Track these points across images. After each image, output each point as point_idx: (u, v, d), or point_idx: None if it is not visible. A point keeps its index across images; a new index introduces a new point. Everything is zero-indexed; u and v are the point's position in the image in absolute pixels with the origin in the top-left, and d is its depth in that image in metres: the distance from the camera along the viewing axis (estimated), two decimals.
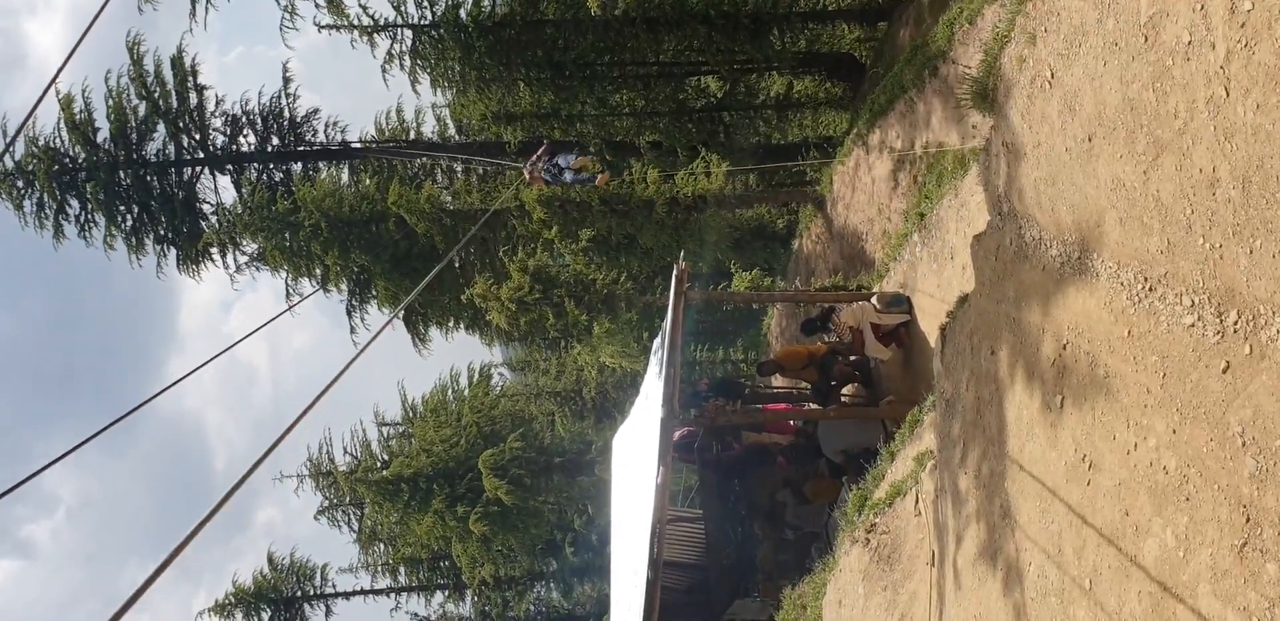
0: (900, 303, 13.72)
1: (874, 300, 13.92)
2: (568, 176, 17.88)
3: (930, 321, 12.22)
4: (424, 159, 26.92)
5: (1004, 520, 6.14)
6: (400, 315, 24.18)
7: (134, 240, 25.06)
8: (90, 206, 24.58)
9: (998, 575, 6.15)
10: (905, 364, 13.84)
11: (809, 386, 15.75)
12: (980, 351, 6.58)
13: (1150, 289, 4.68)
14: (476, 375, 29.29)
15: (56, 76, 5.34)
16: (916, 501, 8.56)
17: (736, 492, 16.66)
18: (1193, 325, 4.35)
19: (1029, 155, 5.68)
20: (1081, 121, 5.08)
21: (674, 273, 13.45)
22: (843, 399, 15.27)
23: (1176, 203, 4.45)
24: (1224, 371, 4.13)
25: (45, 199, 24.37)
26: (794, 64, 23.69)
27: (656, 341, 15.20)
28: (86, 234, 24.93)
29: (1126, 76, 4.82)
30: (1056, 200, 5.41)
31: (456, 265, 23.85)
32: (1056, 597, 5.39)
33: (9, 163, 23.94)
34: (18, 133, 5.90)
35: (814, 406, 15.48)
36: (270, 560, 32.98)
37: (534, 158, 17.84)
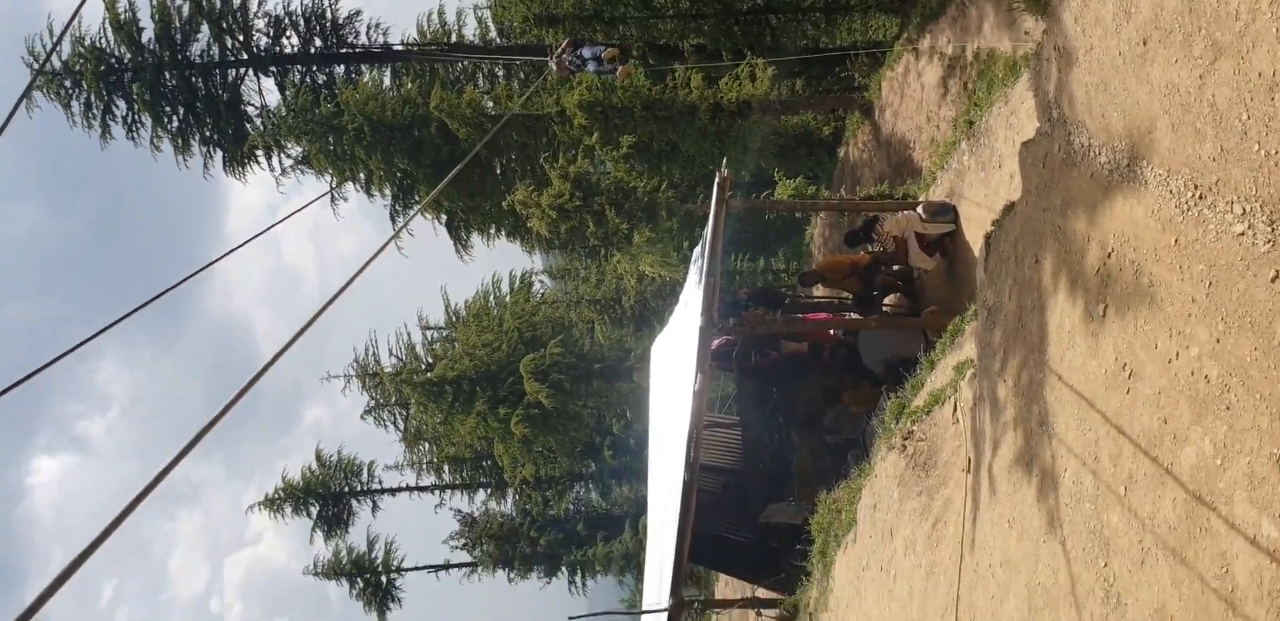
0: (946, 212, 13.56)
1: (919, 209, 13.77)
2: (590, 67, 17.72)
3: (975, 231, 12.11)
4: (466, 62, 26.63)
5: (1041, 428, 6.18)
6: (436, 216, 24.28)
7: (180, 141, 25.21)
8: (136, 107, 24.68)
9: (1033, 481, 6.23)
10: (949, 274, 13.75)
11: (850, 296, 15.73)
12: (1024, 260, 6.54)
13: (1200, 197, 4.61)
14: (517, 282, 29.47)
15: None
16: (955, 409, 8.62)
17: (774, 400, 16.80)
18: (1242, 234, 4.29)
19: (1081, 60, 5.54)
20: (1137, 25, 4.93)
21: (716, 180, 13.35)
22: (884, 309, 15.24)
23: (1232, 108, 4.35)
24: (1273, 281, 4.10)
25: (92, 99, 24.48)
26: None
27: (696, 250, 15.19)
28: (134, 135, 25.12)
29: None
30: (1108, 106, 5.29)
31: (498, 171, 23.80)
32: (1091, 503, 5.46)
33: (56, 63, 23.98)
34: (64, 32, 5.92)
35: (855, 316, 15.48)
36: (318, 457, 33.98)
37: (559, 50, 17.75)
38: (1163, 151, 4.94)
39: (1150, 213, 5.02)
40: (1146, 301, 4.98)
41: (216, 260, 3.68)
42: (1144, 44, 4.90)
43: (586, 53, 17.67)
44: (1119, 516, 5.15)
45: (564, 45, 17.80)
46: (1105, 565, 5.22)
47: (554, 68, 18.03)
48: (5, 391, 3.59)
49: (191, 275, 3.45)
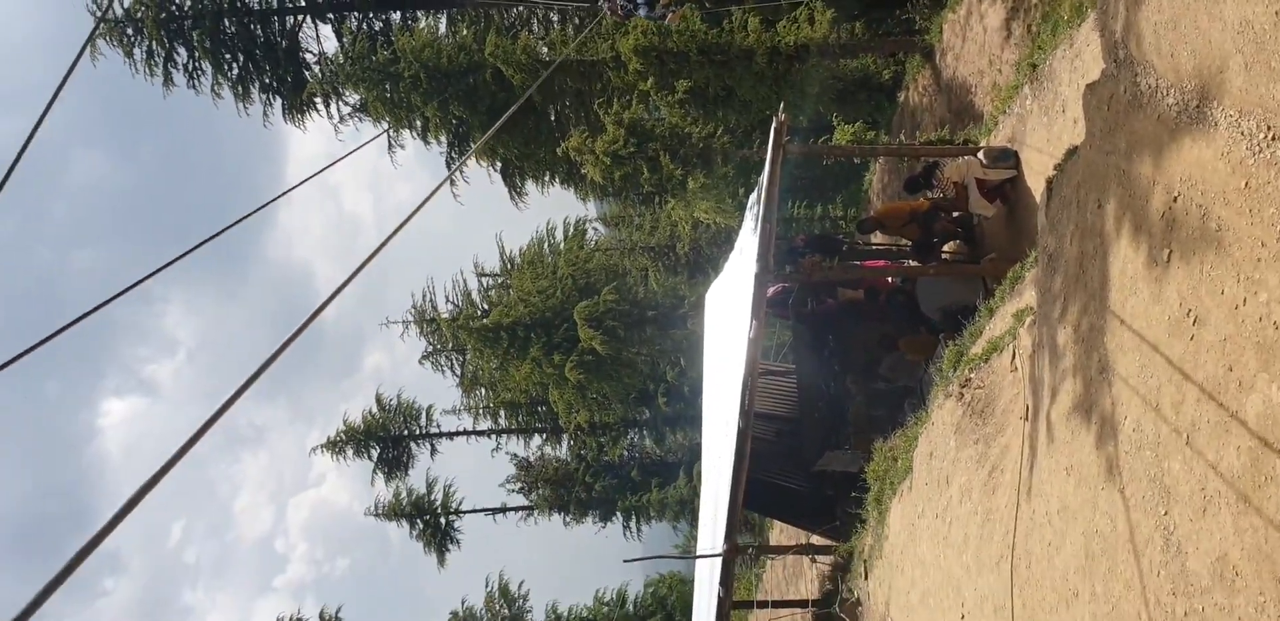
0: (1007, 158, 13.31)
1: (980, 155, 13.53)
2: (642, 11, 17.67)
3: (1037, 177, 11.88)
4: (521, 8, 26.42)
5: (1101, 375, 6.11)
6: (491, 163, 24.29)
7: (240, 89, 25.39)
8: (197, 55, 24.86)
9: (1092, 429, 6.17)
10: (1009, 220, 13.54)
11: (909, 243, 15.56)
12: (1087, 205, 6.40)
13: (1273, 138, 4.47)
14: (571, 229, 29.49)
15: None
16: (1013, 357, 8.54)
17: (830, 347, 16.73)
18: None
19: None
20: None
21: (773, 125, 13.18)
22: (943, 256, 15.06)
23: None
24: None
25: (154, 47, 24.68)
26: None
27: (752, 197, 15.06)
28: (195, 82, 25.34)
29: None
30: (1177, 45, 5.13)
31: (553, 118, 23.69)
32: (1151, 451, 5.41)
33: (118, 10, 24.18)
34: None
35: (913, 264, 15.32)
36: (379, 401, 34.55)
37: None
38: (1234, 91, 4.78)
39: (1220, 155, 4.88)
40: (1213, 246, 4.87)
41: (279, 197, 3.72)
42: None
43: None
44: (1181, 464, 5.09)
45: None
46: (1165, 513, 5.18)
47: (607, 12, 17.97)
48: (61, 331, 3.68)
49: (253, 212, 3.49)
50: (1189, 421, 5.04)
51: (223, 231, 4.03)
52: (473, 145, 23.42)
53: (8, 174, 5.16)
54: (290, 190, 4.71)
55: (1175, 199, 5.16)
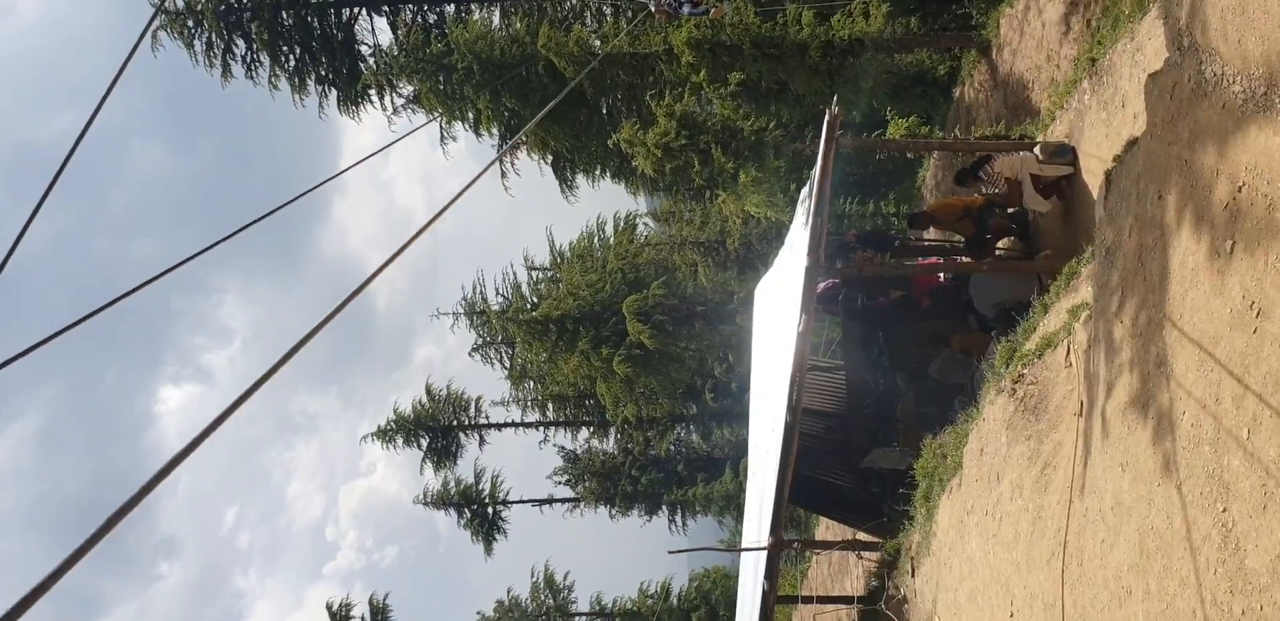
0: (1065, 153, 13.10)
1: (1037, 150, 13.33)
2: (686, 9, 17.77)
3: (1094, 175, 11.70)
4: (573, 1, 26.49)
5: (1159, 369, 5.99)
6: (542, 156, 24.38)
7: (296, 80, 25.73)
8: (255, 46, 25.21)
9: (1148, 424, 6.06)
10: (1065, 218, 13.33)
11: (962, 240, 15.37)
12: (1147, 196, 6.29)
13: None
14: (622, 223, 29.51)
15: None
16: (1068, 352, 8.41)
17: (880, 344, 16.60)
18: None
19: None
20: None
21: (826, 118, 13.08)
22: (997, 252, 14.87)
23: None
24: None
25: (214, 38, 25.07)
26: None
27: (804, 191, 14.96)
28: (253, 74, 25.71)
29: None
30: (1245, 31, 5.01)
31: (604, 111, 23.72)
32: (1210, 447, 5.30)
33: (179, 2, 24.58)
34: None
35: (967, 260, 15.14)
36: (428, 391, 34.85)
37: None
38: None
39: None
40: (1279, 237, 4.76)
41: (332, 178, 3.75)
42: None
43: None
44: (1240, 460, 4.98)
45: None
46: (1224, 510, 5.08)
47: (653, 9, 18.12)
48: (99, 310, 3.74)
49: (308, 191, 3.52)
50: (1250, 417, 4.93)
51: (272, 212, 4.07)
52: (525, 137, 23.51)
53: (64, 163, 5.25)
54: (344, 172, 4.75)
55: (1240, 189, 5.05)
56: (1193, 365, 5.58)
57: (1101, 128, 12.03)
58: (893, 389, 16.31)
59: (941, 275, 15.61)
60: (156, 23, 24.30)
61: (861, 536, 15.84)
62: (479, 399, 35.17)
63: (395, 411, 34.46)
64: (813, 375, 17.77)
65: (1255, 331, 4.93)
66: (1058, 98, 14.07)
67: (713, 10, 18.39)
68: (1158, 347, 6.03)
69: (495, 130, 23.78)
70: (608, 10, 26.77)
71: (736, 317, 24.55)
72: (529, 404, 34.46)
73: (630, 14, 26.31)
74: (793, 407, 11.98)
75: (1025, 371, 9.46)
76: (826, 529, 23.71)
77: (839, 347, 19.37)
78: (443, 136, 24.94)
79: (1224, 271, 5.22)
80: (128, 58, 6.18)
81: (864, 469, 15.49)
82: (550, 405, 34.36)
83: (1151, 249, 6.17)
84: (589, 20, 26.83)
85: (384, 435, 34.10)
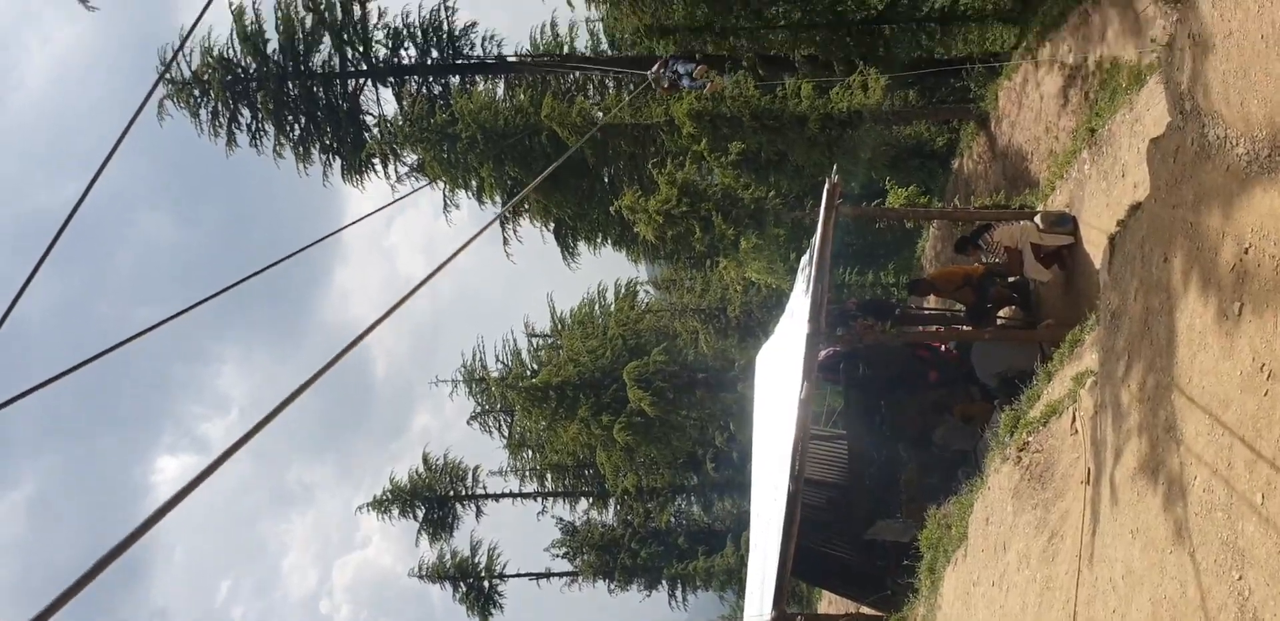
0: (1065, 223, 13.16)
1: (1037, 219, 13.39)
2: (685, 82, 18.17)
3: (1094, 244, 11.73)
4: (577, 74, 26.91)
5: (1168, 434, 5.90)
6: (544, 223, 24.56)
7: (301, 149, 25.96)
8: (260, 116, 25.51)
9: (1159, 490, 5.94)
10: (1066, 287, 13.33)
11: (963, 308, 15.36)
12: (1152, 260, 6.26)
13: None
14: (623, 290, 29.58)
15: None
16: (1073, 419, 8.32)
17: (882, 413, 16.47)
18: None
19: (1219, 46, 5.28)
20: None
21: (826, 186, 13.17)
22: (998, 321, 14.84)
23: None
24: None
25: (219, 108, 25.37)
26: None
27: (804, 259, 15.00)
28: (257, 143, 25.95)
29: None
30: (1247, 93, 5.03)
31: (606, 180, 23.93)
32: (1223, 513, 5.18)
33: (186, 72, 24.94)
34: (184, 40, 6.06)
35: (968, 329, 15.10)
36: (425, 460, 34.54)
37: (655, 68, 18.36)
38: None
39: None
40: None
41: (331, 234, 3.71)
42: None
43: (681, 68, 18.21)
44: (1255, 526, 4.86)
45: (660, 62, 18.45)
46: (1239, 578, 4.94)
47: (653, 82, 18.53)
48: (93, 358, 3.67)
49: (309, 246, 3.47)
50: (1264, 481, 4.83)
51: (271, 266, 4.02)
52: (528, 206, 23.69)
53: (63, 226, 5.22)
54: (345, 228, 4.72)
55: (1247, 250, 5.02)
56: (1203, 429, 5.49)
57: (1102, 197, 12.09)
58: (895, 458, 16.14)
59: (943, 345, 15.55)
60: (163, 91, 24.63)
61: (865, 610, 15.51)
62: (476, 468, 34.86)
63: (391, 481, 34.13)
64: (814, 444, 17.57)
65: (1266, 394, 4.86)
66: (1057, 168, 14.18)
67: (709, 84, 18.80)
68: (1166, 412, 5.94)
69: (498, 198, 23.95)
70: (610, 83, 27.19)
71: (738, 385, 24.43)
72: (527, 474, 34.14)
73: (632, 86, 26.75)
74: (796, 476, 11.80)
75: (1030, 439, 9.34)
76: (829, 603, 23.24)
77: (840, 416, 19.23)
78: (446, 204, 25.12)
79: (1232, 334, 5.17)
80: (128, 125, 6.20)
81: (867, 541, 15.23)
82: (549, 475, 34.03)
83: (1158, 312, 6.13)
84: (592, 92, 27.23)
85: (380, 505, 33.71)
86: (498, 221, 24.84)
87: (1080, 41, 16.34)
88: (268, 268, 4.00)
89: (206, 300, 4.36)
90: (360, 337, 3.63)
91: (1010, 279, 14.40)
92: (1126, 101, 11.93)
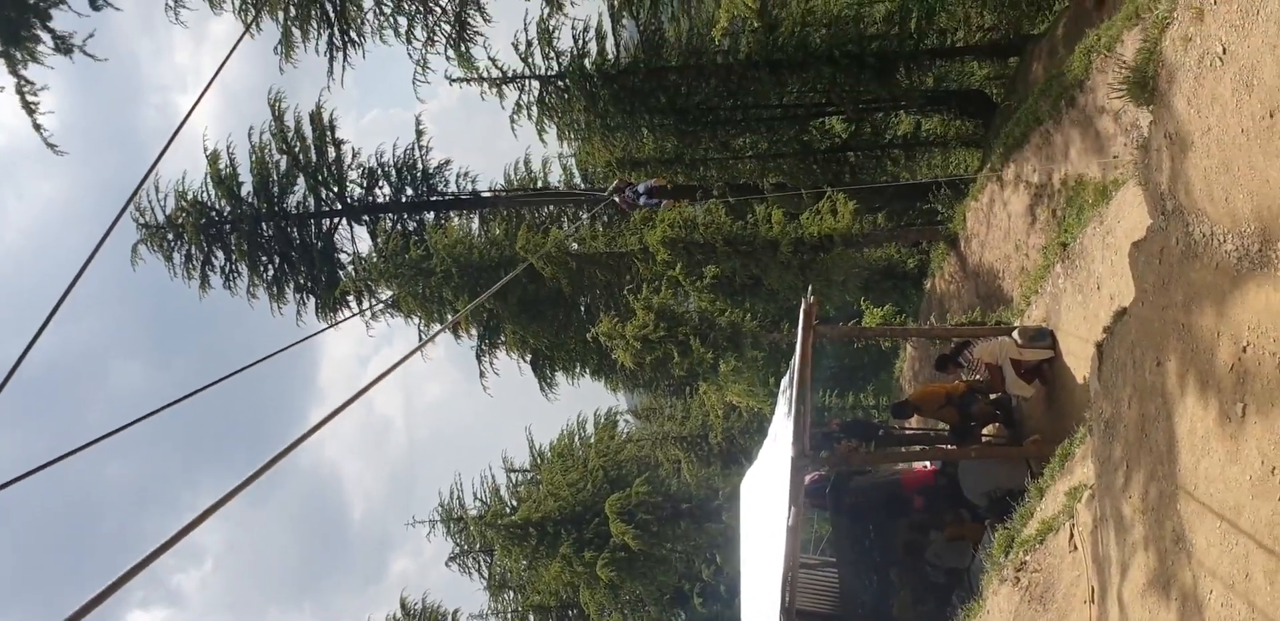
0: (1043, 337, 13.12)
1: (1015, 335, 13.34)
2: (642, 201, 18.43)
3: (1075, 357, 11.64)
4: (551, 207, 27.26)
5: (1177, 546, 5.63)
6: (521, 355, 24.37)
7: (275, 289, 25.84)
8: (234, 257, 25.46)
9: (1172, 606, 5.63)
10: (1049, 401, 13.20)
11: (946, 427, 15.15)
12: (1144, 364, 6.12)
13: None
14: (602, 420, 29.21)
15: (190, 112, 5.43)
16: (1071, 535, 8.01)
17: (871, 538, 16.04)
18: None
19: (1197, 143, 5.27)
20: (1260, 97, 4.69)
21: (802, 306, 13.13)
22: (983, 439, 14.62)
23: None
24: None
25: (193, 251, 25.32)
26: (922, 102, 23.34)
27: (784, 381, 14.84)
28: (231, 284, 25.80)
29: None
30: (1232, 188, 5.00)
31: (582, 310, 23.94)
32: None
33: (160, 217, 25.01)
34: (143, 180, 5.96)
35: (952, 448, 14.86)
36: (403, 605, 33.15)
37: (610, 191, 18.79)
38: None
39: None
40: None
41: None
42: (1271, 116, 4.64)
43: (640, 188, 18.51)
44: None
45: (615, 186, 18.76)
46: None
47: (615, 200, 18.82)
48: (39, 468, 3.39)
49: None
50: None
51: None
52: (504, 337, 23.58)
53: (13, 369, 4.99)
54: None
55: (1244, 349, 4.89)
56: (1215, 539, 5.23)
57: (1078, 310, 12.08)
58: (887, 584, 15.61)
59: (929, 464, 15.27)
60: (136, 236, 24.63)
61: None
62: (456, 612, 33.51)
63: None
64: (804, 573, 17.02)
65: None
66: (1031, 283, 14.24)
67: (664, 202, 19.12)
68: (1173, 522, 5.69)
69: (474, 331, 23.86)
70: (584, 215, 27.56)
71: (723, 515, 23.89)
72: (509, 616, 32.84)
73: (606, 218, 27.11)
74: (786, 609, 11.33)
75: (1028, 558, 9.00)
76: None
77: (829, 543, 18.72)
78: (421, 339, 24.95)
79: (1237, 436, 4.98)
80: (85, 263, 6.05)
81: None
82: (531, 617, 32.74)
83: (1155, 418, 5.94)
84: (565, 224, 27.55)
85: None
86: (474, 351, 24.69)
87: (1044, 161, 16.66)
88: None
89: (144, 418, 4.12)
90: (293, 446, 3.37)
91: (992, 395, 14.27)
92: (1096, 215, 12.06)
